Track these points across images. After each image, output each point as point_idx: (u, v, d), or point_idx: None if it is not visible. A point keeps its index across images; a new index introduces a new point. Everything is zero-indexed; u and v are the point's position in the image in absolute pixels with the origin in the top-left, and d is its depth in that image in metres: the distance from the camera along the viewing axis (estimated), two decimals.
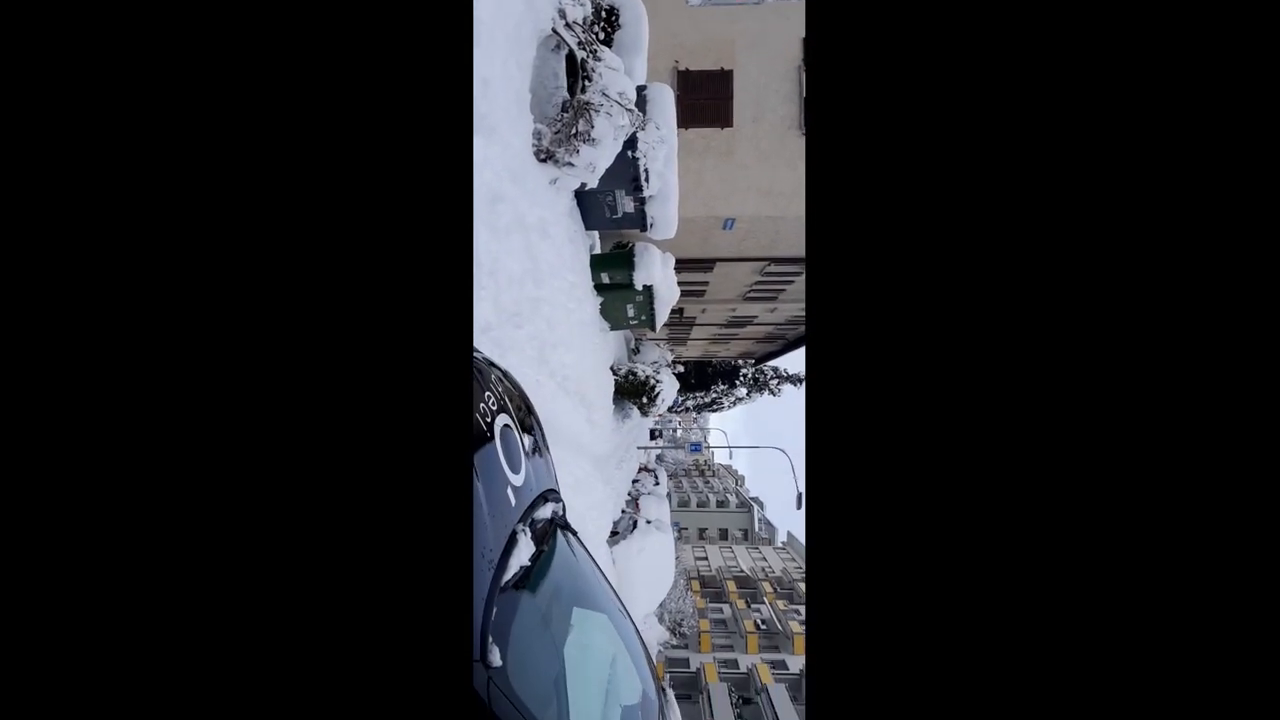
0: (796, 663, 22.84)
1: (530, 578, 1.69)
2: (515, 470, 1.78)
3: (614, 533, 10.07)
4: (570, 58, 5.42)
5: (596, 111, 5.10)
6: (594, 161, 5.31)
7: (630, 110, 5.40)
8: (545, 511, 1.97)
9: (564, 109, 5.34)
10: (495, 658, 1.35)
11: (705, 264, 11.97)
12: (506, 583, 1.52)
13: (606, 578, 2.34)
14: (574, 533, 2.32)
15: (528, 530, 1.70)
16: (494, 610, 1.40)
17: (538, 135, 5.17)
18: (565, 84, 5.57)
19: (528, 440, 2.10)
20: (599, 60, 5.33)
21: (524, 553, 1.61)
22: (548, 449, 2.45)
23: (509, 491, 1.69)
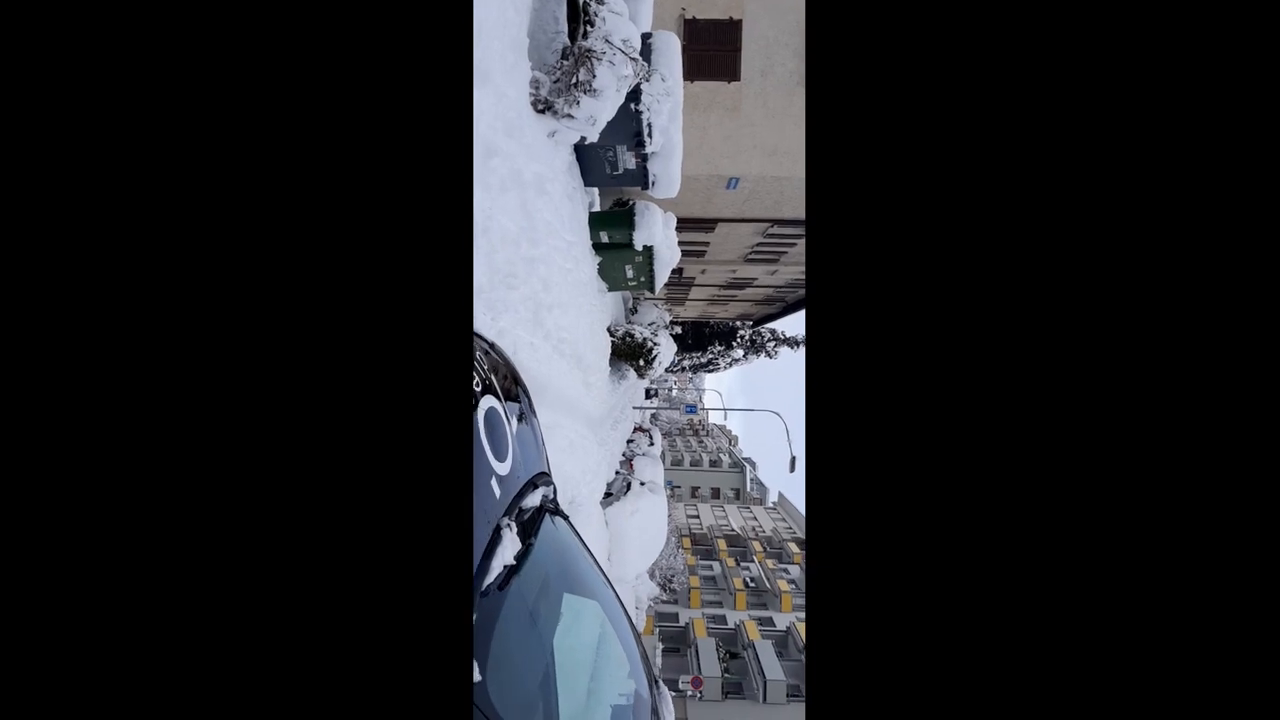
0: (783, 620, 23.38)
1: (516, 574, 1.56)
2: (501, 458, 1.63)
3: (607, 494, 10.05)
4: (572, 0, 5.08)
5: (599, 60, 4.79)
6: (595, 114, 5.02)
7: (634, 59, 5.08)
8: (534, 498, 1.83)
9: (564, 56, 5.03)
10: (474, 672, 1.23)
11: (707, 224, 11.69)
12: (489, 586, 1.39)
13: (598, 563, 2.22)
14: (564, 516, 2.19)
15: (513, 525, 1.56)
16: (473, 619, 1.28)
17: (535, 84, 4.87)
18: (566, 29, 5.24)
19: (514, 413, 1.95)
20: (602, 4, 5.00)
21: (509, 550, 1.48)
22: (534, 414, 2.29)
23: (493, 483, 1.55)
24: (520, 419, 1.96)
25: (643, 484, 10.93)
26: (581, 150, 6.43)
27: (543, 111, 4.98)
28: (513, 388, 2.06)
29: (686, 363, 36.94)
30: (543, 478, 2.00)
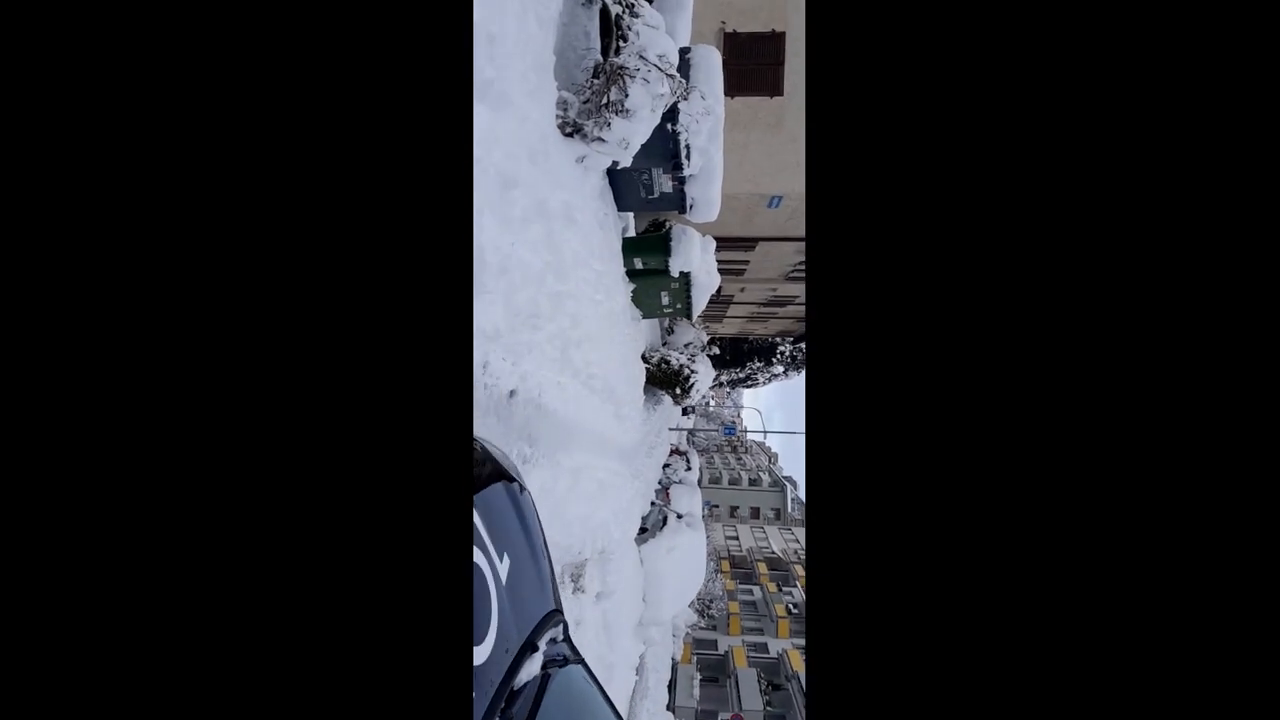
0: None
1: None
2: (479, 639, 1.18)
3: (642, 529, 9.56)
4: (604, 13, 4.69)
5: (632, 78, 4.38)
6: (628, 136, 4.61)
7: (671, 76, 4.66)
8: (534, 665, 1.37)
9: (595, 74, 4.63)
10: None
11: (747, 243, 11.21)
12: None
13: (615, 709, 1.75)
14: (580, 661, 1.73)
15: None
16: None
17: (563, 105, 4.49)
18: (598, 45, 4.86)
19: (505, 533, 1.51)
20: (637, 17, 4.60)
21: None
22: (534, 510, 1.79)
23: None
24: (506, 552, 1.49)
25: (680, 517, 10.41)
26: (614, 173, 6.03)
27: (571, 134, 4.59)
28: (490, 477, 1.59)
29: (725, 378, 36.20)
30: (548, 622, 1.54)
